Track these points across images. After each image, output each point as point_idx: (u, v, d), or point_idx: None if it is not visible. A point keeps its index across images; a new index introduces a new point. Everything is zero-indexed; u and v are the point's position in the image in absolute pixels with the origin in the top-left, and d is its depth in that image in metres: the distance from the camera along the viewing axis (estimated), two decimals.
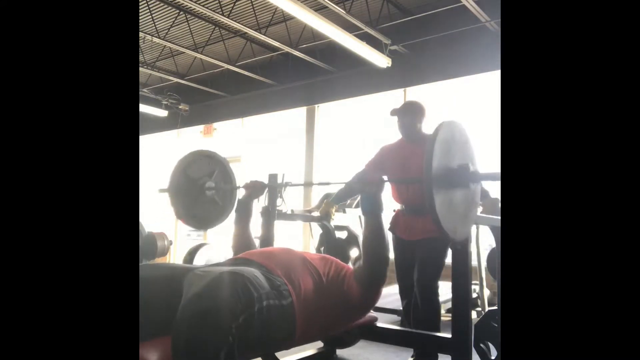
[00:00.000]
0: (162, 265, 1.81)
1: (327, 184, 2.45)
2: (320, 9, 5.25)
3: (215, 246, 5.27)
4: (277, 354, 2.18)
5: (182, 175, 2.34)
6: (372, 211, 1.79)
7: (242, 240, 2.19)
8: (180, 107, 8.65)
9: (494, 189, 2.29)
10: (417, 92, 6.16)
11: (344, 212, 3.83)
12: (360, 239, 3.99)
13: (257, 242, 2.47)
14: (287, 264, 1.68)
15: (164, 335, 1.34)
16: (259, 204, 2.54)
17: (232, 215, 2.39)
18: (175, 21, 6.32)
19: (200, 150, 2.50)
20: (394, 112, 2.61)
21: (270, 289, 1.48)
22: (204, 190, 2.40)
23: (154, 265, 1.89)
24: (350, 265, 2.11)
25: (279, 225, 2.65)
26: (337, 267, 1.84)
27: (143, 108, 8.06)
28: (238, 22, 5.68)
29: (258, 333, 1.40)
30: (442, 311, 2.58)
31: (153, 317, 1.35)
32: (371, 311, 2.04)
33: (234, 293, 1.34)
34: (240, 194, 2.41)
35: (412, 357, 2.52)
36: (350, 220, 4.09)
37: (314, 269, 1.74)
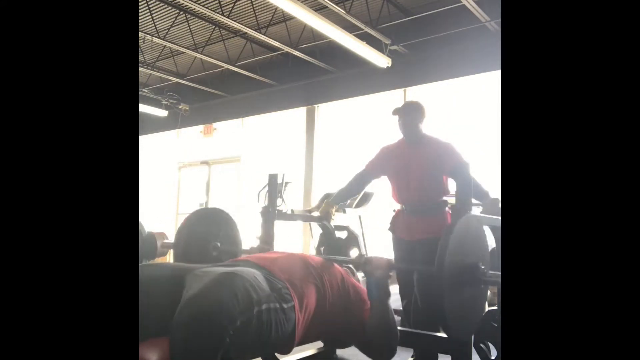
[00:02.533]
0: (162, 265, 1.80)
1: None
2: (320, 9, 5.25)
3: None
4: (277, 355, 2.18)
5: (188, 234, 2.32)
6: (379, 298, 1.76)
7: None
8: (180, 107, 8.66)
9: (494, 189, 2.29)
10: (417, 92, 6.16)
11: (344, 212, 3.83)
12: (360, 239, 4.00)
13: (257, 242, 2.48)
14: (290, 268, 1.67)
15: (164, 335, 1.34)
16: (260, 203, 2.54)
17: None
18: (175, 21, 6.32)
19: (206, 209, 2.49)
20: (395, 112, 2.61)
21: (271, 291, 1.47)
22: (209, 250, 2.37)
23: (154, 265, 1.88)
24: (351, 266, 2.10)
25: (279, 225, 2.65)
26: (341, 278, 1.82)
27: (143, 108, 8.07)
28: (238, 22, 5.68)
29: (257, 336, 1.39)
30: None
31: (153, 317, 1.35)
32: None
33: (232, 295, 1.33)
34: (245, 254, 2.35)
35: (412, 357, 2.51)
36: (350, 220, 4.09)
37: (318, 276, 1.73)
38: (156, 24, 6.29)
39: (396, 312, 3.37)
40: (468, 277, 1.57)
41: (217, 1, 5.60)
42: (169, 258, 7.49)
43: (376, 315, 1.74)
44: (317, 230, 4.17)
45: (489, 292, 4.15)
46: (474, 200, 2.21)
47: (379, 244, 3.82)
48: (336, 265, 1.89)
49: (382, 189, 3.91)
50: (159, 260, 5.33)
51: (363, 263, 1.82)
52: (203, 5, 5.42)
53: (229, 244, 2.43)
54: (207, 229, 2.38)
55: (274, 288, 1.49)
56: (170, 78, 7.76)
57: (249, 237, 2.65)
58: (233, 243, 2.46)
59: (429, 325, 2.34)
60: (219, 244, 2.37)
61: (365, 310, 1.79)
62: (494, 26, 5.29)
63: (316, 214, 3.09)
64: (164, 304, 1.39)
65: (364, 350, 1.83)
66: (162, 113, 8.63)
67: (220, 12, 5.54)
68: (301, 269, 1.70)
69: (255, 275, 1.48)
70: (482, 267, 1.61)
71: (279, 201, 2.65)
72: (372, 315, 1.75)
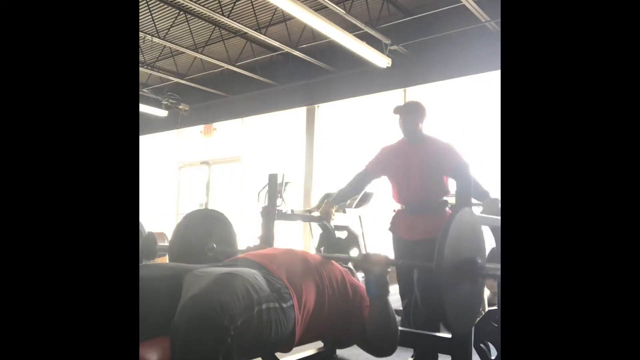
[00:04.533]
0: (159, 266, 1.80)
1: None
2: (320, 9, 5.25)
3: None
4: (277, 354, 2.18)
5: (183, 235, 2.32)
6: (378, 295, 1.75)
7: None
8: (180, 107, 8.66)
9: (494, 189, 2.29)
10: (417, 92, 6.16)
11: (344, 212, 3.83)
12: (360, 239, 4.00)
13: (257, 242, 2.47)
14: (289, 266, 1.67)
15: (164, 335, 1.34)
16: (260, 203, 2.53)
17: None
18: (175, 21, 6.32)
19: (201, 210, 2.47)
20: (396, 110, 2.61)
21: (271, 291, 1.47)
22: (204, 251, 2.35)
23: (151, 265, 1.88)
24: (350, 266, 2.10)
25: (279, 225, 2.65)
26: (341, 277, 1.82)
27: (143, 108, 8.07)
28: (238, 22, 5.68)
29: (257, 335, 1.40)
30: None
31: (152, 317, 1.35)
32: None
33: (232, 295, 1.33)
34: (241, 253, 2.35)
35: (412, 357, 2.52)
36: (350, 220, 4.09)
37: (317, 273, 1.73)
38: (156, 24, 6.29)
39: (396, 312, 3.38)
40: (466, 271, 1.58)
41: (217, 1, 5.60)
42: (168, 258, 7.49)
43: (376, 311, 1.75)
44: (317, 230, 4.17)
45: (489, 292, 4.15)
46: (474, 200, 2.21)
47: (379, 244, 3.81)
48: (335, 263, 1.89)
49: (382, 189, 3.91)
50: (158, 260, 5.33)
51: (361, 260, 1.82)
52: (203, 5, 5.42)
53: (224, 245, 2.42)
54: (202, 231, 2.37)
55: (273, 287, 1.49)
56: (170, 78, 7.76)
57: (247, 237, 2.64)
58: (228, 244, 2.45)
59: (429, 325, 2.34)
60: (214, 246, 2.37)
61: (364, 307, 1.79)
62: (494, 26, 5.29)
63: (316, 214, 3.10)
64: (161, 304, 1.39)
65: (364, 347, 1.83)
66: (162, 113, 8.63)
67: (220, 12, 5.54)
68: (300, 266, 1.70)
69: (255, 275, 1.48)
70: (480, 260, 1.62)
71: (279, 201, 2.65)
72: (372, 311, 1.75)
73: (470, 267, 1.60)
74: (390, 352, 1.79)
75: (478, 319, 2.33)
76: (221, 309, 1.27)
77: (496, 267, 1.62)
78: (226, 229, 2.46)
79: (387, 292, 1.77)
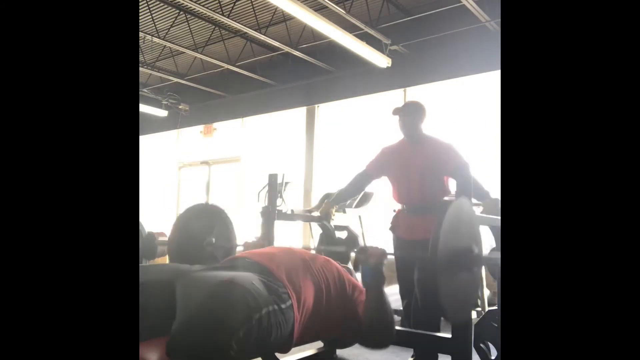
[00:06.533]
0: (155, 268, 1.79)
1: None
2: (320, 9, 5.25)
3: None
4: (277, 354, 2.18)
5: (182, 230, 2.32)
6: (374, 284, 1.76)
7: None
8: (180, 107, 8.66)
9: (494, 189, 2.29)
10: (417, 92, 6.16)
11: (344, 212, 3.83)
12: (360, 239, 4.00)
13: (257, 242, 2.47)
14: (288, 265, 1.67)
15: (160, 336, 1.34)
16: (260, 203, 2.53)
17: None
18: (175, 21, 6.32)
19: (201, 205, 2.48)
20: (396, 111, 2.61)
21: (269, 294, 1.46)
22: (203, 246, 2.36)
23: (145, 268, 1.87)
24: (350, 265, 2.10)
25: (279, 225, 2.65)
26: (338, 274, 1.82)
27: (143, 108, 8.07)
28: (238, 22, 5.68)
29: (258, 340, 1.39)
30: None
31: (144, 321, 1.34)
32: None
33: (233, 309, 1.32)
34: (240, 248, 2.35)
35: (412, 357, 2.52)
36: (350, 220, 4.09)
37: (315, 272, 1.73)
38: (156, 24, 6.29)
39: (396, 312, 3.38)
40: (462, 258, 1.58)
41: (217, 1, 5.60)
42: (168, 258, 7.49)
43: (372, 300, 1.75)
44: (317, 230, 4.17)
45: (489, 292, 4.14)
46: (474, 200, 2.21)
47: (379, 244, 3.80)
48: (333, 262, 1.90)
49: (382, 189, 3.91)
50: (159, 260, 5.33)
51: (358, 252, 1.82)
52: (203, 5, 5.42)
53: (223, 239, 2.42)
54: (201, 225, 2.38)
55: (271, 290, 1.49)
56: (170, 78, 7.76)
57: (247, 235, 2.63)
58: (227, 239, 2.46)
59: (429, 325, 2.34)
60: (213, 240, 2.37)
61: (362, 302, 1.79)
62: (494, 26, 5.29)
63: (316, 214, 3.10)
64: (153, 309, 1.38)
65: (362, 341, 1.82)
66: (162, 113, 8.63)
67: (220, 12, 5.54)
68: (299, 265, 1.70)
69: (252, 280, 1.46)
70: (475, 249, 1.62)
71: (279, 201, 2.65)
72: (368, 300, 1.76)
73: (466, 255, 1.59)
74: (386, 343, 1.79)
75: (478, 319, 2.33)
76: (222, 326, 1.27)
77: (494, 256, 1.62)
78: (225, 223, 2.47)
79: (382, 280, 1.77)
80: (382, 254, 1.78)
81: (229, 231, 2.47)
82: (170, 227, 2.34)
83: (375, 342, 1.79)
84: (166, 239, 4.48)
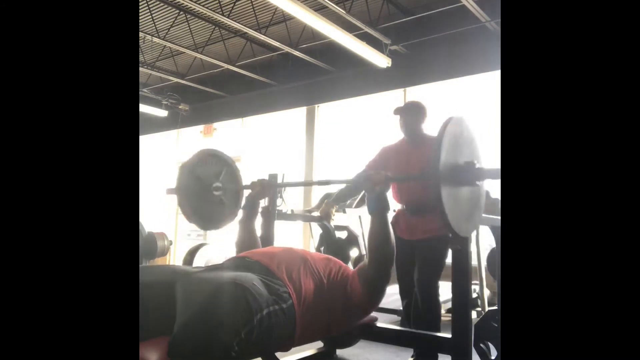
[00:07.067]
0: (154, 270, 1.79)
1: (327, 183, 2.42)
2: (320, 9, 5.25)
3: (215, 246, 5.27)
4: (277, 354, 2.18)
5: (189, 175, 2.32)
6: (379, 210, 1.78)
7: (247, 238, 2.20)
8: (180, 107, 8.65)
9: (494, 189, 2.29)
10: (417, 92, 6.16)
11: (344, 212, 3.83)
12: (360, 239, 4.00)
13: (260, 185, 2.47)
14: (288, 264, 1.67)
15: (160, 335, 1.34)
16: (260, 203, 2.53)
17: (239, 215, 2.38)
18: (175, 21, 6.32)
19: (206, 150, 2.48)
20: (397, 111, 2.62)
21: (270, 294, 1.46)
22: (211, 190, 2.38)
23: (144, 269, 1.87)
24: (350, 266, 2.11)
25: (279, 225, 2.65)
26: (339, 268, 1.83)
27: (143, 108, 8.07)
28: (238, 22, 5.68)
29: (259, 341, 1.40)
30: (442, 311, 2.58)
31: (148, 319, 1.34)
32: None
33: (234, 310, 1.32)
34: (247, 192, 2.40)
35: (412, 357, 2.52)
36: (350, 220, 4.09)
37: (316, 270, 1.73)
38: (156, 24, 6.29)
39: (396, 312, 3.39)
40: (464, 173, 1.56)
41: (217, 1, 5.60)
42: (169, 258, 7.49)
43: (376, 225, 1.78)
44: (317, 230, 4.17)
45: (489, 292, 4.14)
46: None
47: None
48: (333, 259, 1.90)
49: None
50: (159, 260, 5.32)
51: (363, 180, 1.83)
52: (203, 5, 5.42)
53: (229, 182, 2.45)
54: (208, 170, 2.39)
55: (272, 290, 1.49)
56: (170, 78, 7.76)
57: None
58: (235, 182, 2.48)
59: (429, 325, 2.34)
60: (220, 185, 2.39)
61: (365, 296, 1.79)
62: (494, 26, 5.29)
63: (316, 214, 3.10)
64: (153, 311, 1.38)
65: (365, 332, 1.81)
66: (162, 113, 8.63)
67: (220, 12, 5.54)
68: (300, 264, 1.71)
69: (253, 281, 1.46)
70: (477, 163, 1.60)
71: (279, 201, 2.65)
72: (372, 226, 1.78)
73: (468, 169, 1.57)
74: (386, 276, 1.78)
75: (478, 319, 2.33)
76: (224, 327, 1.27)
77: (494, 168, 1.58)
78: (231, 168, 2.48)
79: (387, 207, 1.80)
80: (386, 180, 1.80)
81: (234, 174, 2.49)
82: (176, 175, 2.34)
83: (379, 264, 1.78)
84: (166, 239, 4.49)
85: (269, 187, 2.32)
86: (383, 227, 1.77)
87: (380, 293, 1.82)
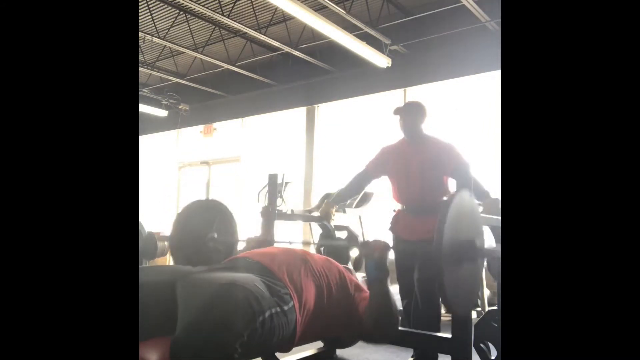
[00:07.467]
0: (154, 270, 1.79)
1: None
2: (320, 9, 5.25)
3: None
4: (277, 354, 2.18)
5: (183, 227, 2.30)
6: (378, 278, 1.74)
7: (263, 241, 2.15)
8: (180, 107, 8.65)
9: (494, 189, 2.29)
10: (417, 92, 6.16)
11: (344, 212, 3.83)
12: (360, 239, 4.00)
13: (259, 237, 2.47)
14: (289, 265, 1.67)
15: (159, 335, 1.34)
16: (260, 203, 2.53)
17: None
18: (175, 21, 6.32)
19: (201, 201, 2.45)
20: (397, 111, 2.62)
21: (271, 296, 1.46)
22: (205, 241, 2.34)
23: (145, 269, 1.87)
24: (350, 265, 2.10)
25: (279, 225, 2.65)
26: (338, 271, 1.82)
27: (143, 108, 8.06)
28: (238, 22, 5.68)
29: (261, 342, 1.39)
30: (442, 311, 2.58)
31: (148, 320, 1.34)
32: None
33: (236, 311, 1.32)
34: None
35: (412, 357, 2.51)
36: (350, 220, 4.09)
37: (316, 271, 1.73)
38: (156, 24, 6.29)
39: None
40: (465, 251, 1.58)
41: (217, 1, 5.60)
42: (169, 258, 7.50)
43: (376, 294, 1.73)
44: (317, 230, 4.17)
45: (489, 292, 4.13)
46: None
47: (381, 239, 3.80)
48: (334, 262, 1.90)
49: (382, 189, 3.90)
50: (159, 260, 5.32)
51: (361, 246, 1.81)
52: (203, 5, 5.42)
53: (225, 233, 2.41)
54: (202, 221, 2.37)
55: (273, 291, 1.49)
56: (170, 78, 7.76)
57: (248, 232, 2.62)
58: (229, 232, 2.44)
59: (429, 325, 2.34)
60: (215, 235, 2.36)
61: (364, 299, 1.78)
62: (494, 26, 5.29)
63: (316, 214, 3.09)
64: (153, 311, 1.37)
65: (365, 337, 1.82)
66: (162, 113, 8.63)
67: (220, 12, 5.54)
68: (300, 265, 1.70)
69: (255, 282, 1.46)
70: (478, 242, 1.62)
71: (279, 201, 2.65)
72: (372, 294, 1.74)
73: (470, 248, 1.59)
74: (390, 338, 1.77)
75: (478, 319, 2.33)
76: (226, 329, 1.27)
77: (494, 248, 1.62)
78: (227, 218, 2.46)
79: (386, 274, 1.76)
80: (385, 247, 1.77)
81: (230, 225, 2.46)
82: (171, 225, 2.33)
83: (379, 337, 1.78)
84: (167, 235, 4.48)
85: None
86: (384, 298, 1.71)
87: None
